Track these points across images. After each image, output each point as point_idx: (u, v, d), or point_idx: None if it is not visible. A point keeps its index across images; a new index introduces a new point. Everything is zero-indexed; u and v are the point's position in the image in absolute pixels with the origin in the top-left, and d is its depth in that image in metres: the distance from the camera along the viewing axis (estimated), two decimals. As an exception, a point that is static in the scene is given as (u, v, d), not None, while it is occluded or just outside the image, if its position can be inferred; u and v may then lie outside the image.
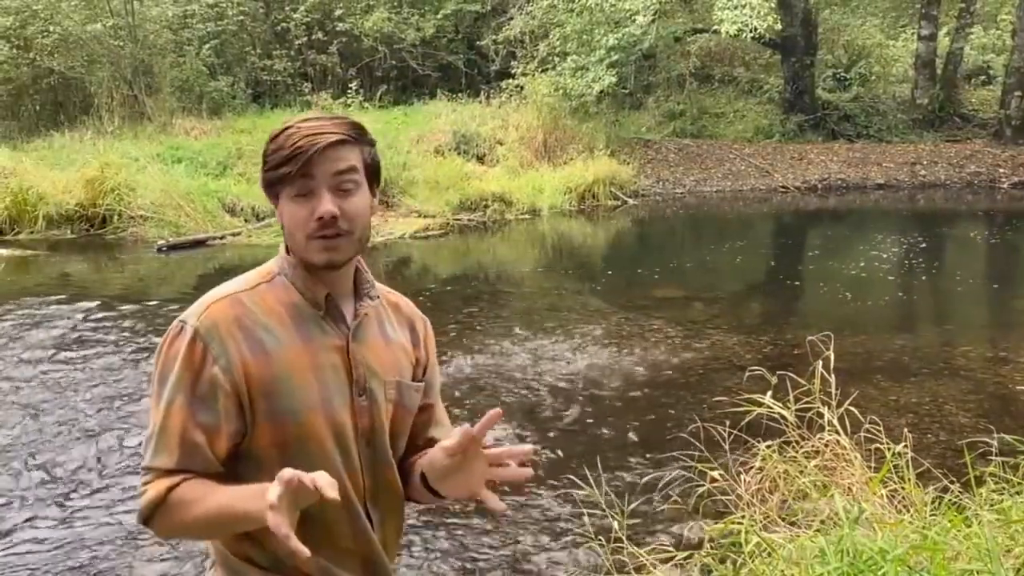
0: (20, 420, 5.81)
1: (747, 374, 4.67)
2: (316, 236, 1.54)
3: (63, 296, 9.12)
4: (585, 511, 3.84)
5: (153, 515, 1.53)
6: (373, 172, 1.62)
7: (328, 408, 1.58)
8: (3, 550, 4.27)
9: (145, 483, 1.54)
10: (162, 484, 1.51)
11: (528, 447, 1.57)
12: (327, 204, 1.53)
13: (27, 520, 4.55)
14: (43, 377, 6.65)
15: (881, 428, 3.70)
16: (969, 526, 2.81)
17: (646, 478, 4.46)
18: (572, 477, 3.88)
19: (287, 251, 1.64)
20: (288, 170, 1.53)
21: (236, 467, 1.57)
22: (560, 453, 5.38)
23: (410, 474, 1.73)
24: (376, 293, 1.69)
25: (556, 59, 17.37)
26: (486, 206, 14.56)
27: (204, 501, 1.49)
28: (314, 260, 1.57)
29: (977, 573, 2.47)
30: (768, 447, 3.85)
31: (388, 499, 1.70)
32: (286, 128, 1.56)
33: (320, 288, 1.61)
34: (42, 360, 7.02)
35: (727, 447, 3.86)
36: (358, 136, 1.59)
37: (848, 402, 3.87)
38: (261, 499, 1.34)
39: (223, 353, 1.52)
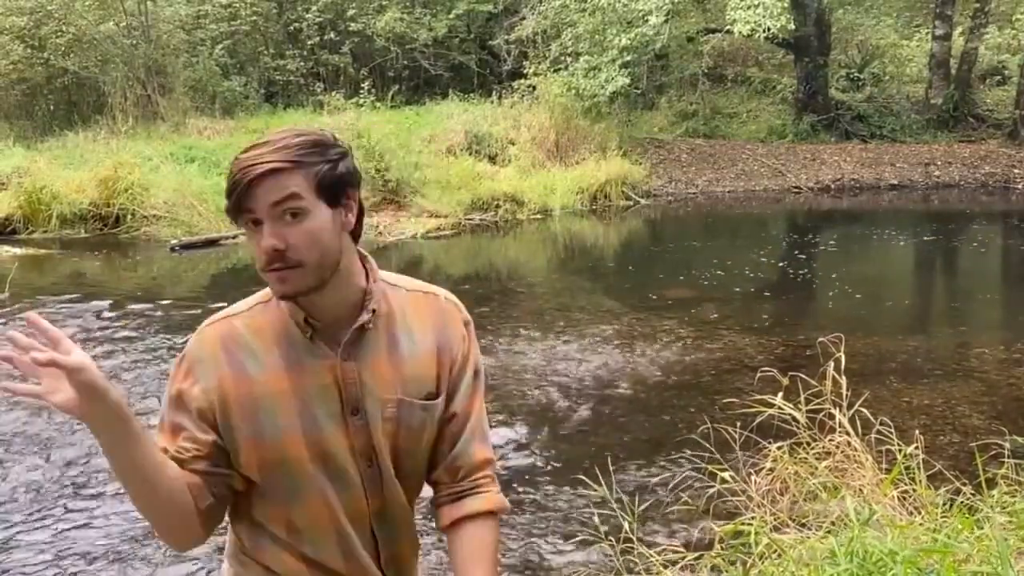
0: (31, 417, 5.84)
1: (758, 375, 4.65)
2: (267, 270, 1.50)
3: (77, 295, 9.18)
4: (595, 511, 3.84)
5: None
6: (328, 188, 1.50)
7: (311, 430, 1.57)
8: (14, 547, 4.29)
9: None
10: None
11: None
12: (268, 238, 1.47)
13: (37, 517, 4.58)
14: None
15: (893, 430, 3.69)
16: (980, 528, 2.80)
17: (657, 478, 4.46)
18: (583, 477, 3.88)
19: None
20: (227, 204, 1.50)
21: (248, 489, 1.62)
22: (571, 453, 5.38)
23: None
24: (374, 306, 1.61)
25: (568, 59, 17.33)
26: (498, 206, 14.57)
27: None
28: (273, 291, 1.56)
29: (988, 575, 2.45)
30: (779, 448, 3.84)
31: (397, 516, 1.69)
32: (234, 158, 1.51)
33: (298, 312, 1.58)
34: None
35: (738, 448, 3.86)
36: (300, 159, 1.47)
37: (859, 403, 3.86)
38: None
39: (203, 375, 1.57)
